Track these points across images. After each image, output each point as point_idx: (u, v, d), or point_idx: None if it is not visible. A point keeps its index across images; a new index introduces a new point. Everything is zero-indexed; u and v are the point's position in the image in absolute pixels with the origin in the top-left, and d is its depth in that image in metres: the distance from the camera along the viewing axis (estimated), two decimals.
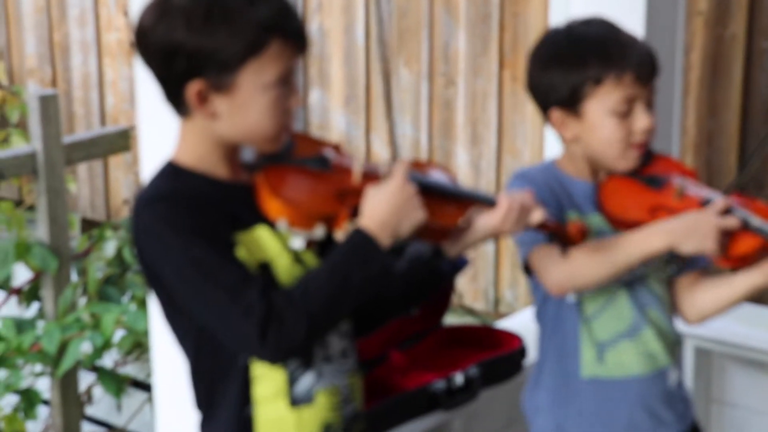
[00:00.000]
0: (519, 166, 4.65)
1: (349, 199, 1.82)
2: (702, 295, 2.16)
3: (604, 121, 2.07)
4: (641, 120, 2.07)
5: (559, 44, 2.12)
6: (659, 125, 3.58)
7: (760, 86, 4.20)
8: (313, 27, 5.27)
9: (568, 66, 2.08)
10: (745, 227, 2.00)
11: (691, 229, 1.98)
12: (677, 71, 3.76)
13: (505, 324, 3.58)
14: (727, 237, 1.99)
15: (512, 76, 4.76)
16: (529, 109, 4.65)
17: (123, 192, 6.20)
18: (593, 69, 2.05)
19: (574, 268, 2.03)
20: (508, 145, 4.87)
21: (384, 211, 1.76)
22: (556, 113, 2.12)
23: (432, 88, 5.01)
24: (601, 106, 2.07)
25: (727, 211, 2.00)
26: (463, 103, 4.94)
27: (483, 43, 4.83)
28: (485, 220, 1.91)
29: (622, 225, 2.10)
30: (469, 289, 5.06)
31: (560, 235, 1.99)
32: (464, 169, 4.97)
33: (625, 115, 2.07)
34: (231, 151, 1.83)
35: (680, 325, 2.25)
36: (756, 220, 2.00)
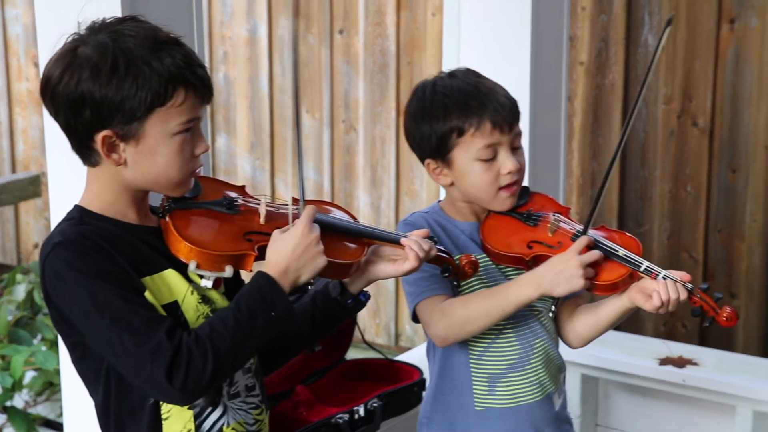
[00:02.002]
0: (416, 207, 4.69)
1: (257, 240, 1.81)
2: (581, 322, 2.19)
3: (471, 168, 2.12)
4: (505, 164, 2.12)
5: (425, 98, 2.16)
6: (547, 167, 3.68)
7: (636, 131, 4.31)
8: (219, 76, 5.26)
9: (433, 119, 2.12)
10: (611, 258, 2.05)
11: (559, 274, 2.03)
12: (562, 117, 3.84)
13: (405, 357, 3.59)
14: (595, 269, 2.04)
15: None
16: None
17: (34, 237, 6.07)
18: (455, 121, 2.10)
19: (454, 322, 2.08)
20: (406, 188, 4.91)
21: (287, 257, 1.77)
22: (431, 163, 2.17)
23: (333, 134, 5.03)
24: (467, 155, 2.11)
25: (592, 246, 2.06)
26: (363, 148, 4.97)
27: (381, 91, 4.88)
28: (391, 264, 1.92)
29: (503, 261, 2.14)
30: (371, 324, 5.06)
31: (453, 268, 2.02)
32: (365, 211, 4.99)
33: (490, 160, 2.11)
34: (139, 196, 1.81)
35: (567, 354, 2.29)
36: (621, 250, 2.06)
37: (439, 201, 2.26)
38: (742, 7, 4.05)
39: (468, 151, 2.10)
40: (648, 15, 4.23)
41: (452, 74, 2.18)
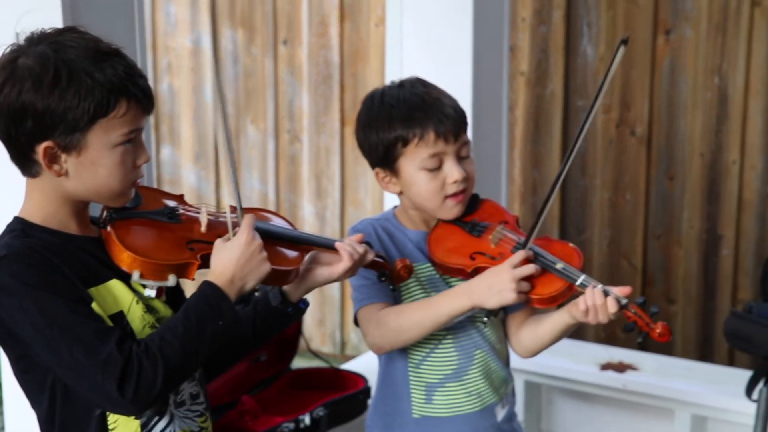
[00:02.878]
0: (361, 216, 4.70)
1: (199, 249, 1.81)
2: (527, 333, 2.20)
3: (416, 177, 2.13)
4: (451, 173, 2.13)
5: (373, 108, 2.17)
6: (489, 175, 3.71)
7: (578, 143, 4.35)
8: (162, 87, 5.23)
9: (380, 129, 2.13)
10: (549, 271, 2.06)
11: (491, 287, 2.03)
12: (503, 127, 3.88)
13: (350, 366, 3.60)
14: (531, 282, 2.05)
15: (353, 133, 4.80)
16: None
17: None
18: (399, 131, 2.11)
19: (387, 331, 2.09)
20: (351, 197, 4.91)
21: (232, 266, 1.77)
22: (380, 172, 2.18)
23: (278, 145, 5.03)
24: (412, 164, 2.12)
25: (531, 259, 2.06)
26: (308, 158, 4.96)
27: (325, 102, 4.88)
28: (327, 268, 1.94)
29: (446, 271, 2.15)
30: (317, 334, 5.05)
31: (389, 272, 2.03)
32: (310, 221, 4.99)
33: (435, 169, 2.12)
34: (80, 207, 1.80)
35: (511, 361, 2.30)
36: (560, 264, 2.06)
37: (395, 207, 2.26)
38: (677, 18, 4.12)
39: (413, 160, 2.11)
40: (587, 26, 4.29)
41: (401, 84, 2.19)
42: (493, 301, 2.03)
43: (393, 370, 2.20)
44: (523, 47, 4.40)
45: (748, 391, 3.00)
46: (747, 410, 3.12)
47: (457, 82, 3.46)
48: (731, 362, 4.15)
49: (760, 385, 2.99)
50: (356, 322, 2.17)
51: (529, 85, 4.43)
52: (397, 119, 2.11)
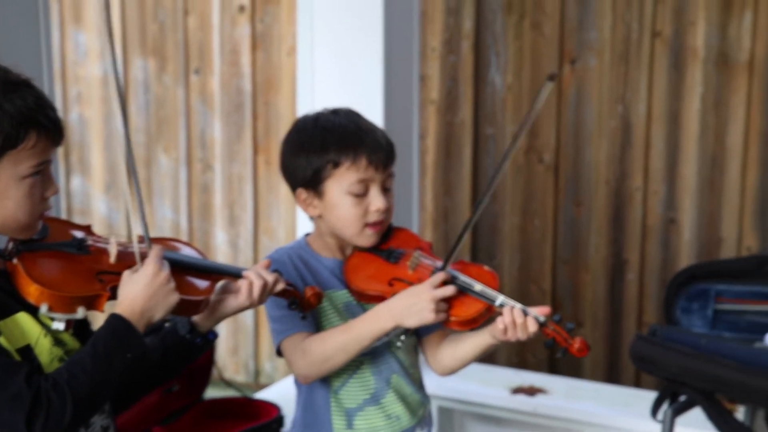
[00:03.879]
0: (274, 244, 4.69)
1: (109, 280, 1.79)
2: (444, 353, 2.23)
3: (341, 201, 2.15)
4: (375, 201, 2.15)
5: (306, 131, 2.19)
6: (401, 203, 3.73)
7: (485, 167, 4.42)
8: (72, 116, 5.16)
9: (312, 151, 2.15)
10: (467, 293, 2.10)
11: (410, 306, 2.06)
12: (414, 155, 3.92)
13: (264, 395, 3.58)
14: (450, 303, 2.08)
15: (266, 161, 4.81)
16: (283, 191, 4.71)
17: None
18: (332, 153, 2.13)
19: (313, 360, 2.10)
20: (264, 225, 4.90)
21: (139, 298, 1.75)
22: (302, 193, 2.18)
23: (190, 173, 4.99)
24: (339, 187, 2.14)
25: (450, 281, 2.09)
26: (221, 186, 4.94)
27: (237, 131, 4.87)
28: (236, 297, 1.93)
29: (364, 298, 2.16)
30: (230, 363, 5.02)
31: (299, 300, 2.03)
32: (223, 249, 4.96)
33: (360, 195, 2.15)
34: None
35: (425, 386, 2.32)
36: (478, 286, 2.09)
37: (307, 235, 2.27)
38: (582, 48, 4.22)
39: (341, 183, 2.13)
40: (495, 55, 4.36)
41: (335, 111, 2.21)
42: (412, 321, 2.06)
43: (314, 397, 2.21)
44: (433, 76, 4.46)
45: (654, 412, 3.07)
46: (653, 430, 3.19)
47: (368, 111, 3.46)
48: (638, 384, 4.23)
49: (665, 406, 3.06)
50: (279, 353, 2.17)
51: (439, 113, 4.48)
52: (331, 142, 2.13)
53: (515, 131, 4.32)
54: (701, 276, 3.45)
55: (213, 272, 1.94)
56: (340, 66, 3.62)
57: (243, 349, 5.00)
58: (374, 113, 3.57)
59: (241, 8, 4.72)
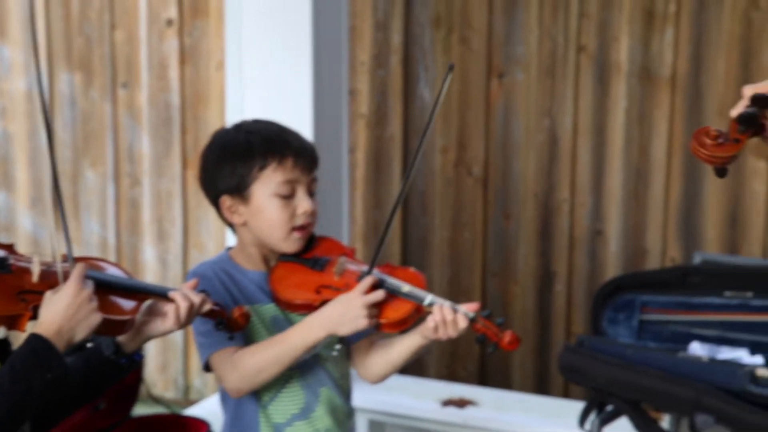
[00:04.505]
0: (204, 259, 4.65)
1: (31, 300, 1.76)
2: (375, 359, 2.23)
3: (268, 204, 2.14)
4: (302, 203, 2.15)
5: (228, 138, 2.19)
6: (331, 217, 3.74)
7: (416, 181, 4.44)
8: None
9: (236, 155, 2.15)
10: (396, 295, 2.10)
11: (342, 314, 2.06)
12: (344, 168, 3.93)
13: (193, 411, 3.55)
14: (380, 307, 2.09)
15: (195, 175, 4.76)
16: None
17: None
18: (257, 155, 2.13)
19: (244, 373, 2.08)
20: (194, 240, 4.86)
21: (60, 317, 1.73)
22: (226, 200, 2.17)
23: (118, 189, 4.94)
24: (266, 189, 2.14)
25: (378, 285, 2.10)
26: (149, 201, 4.89)
27: (166, 145, 4.83)
28: (163, 318, 1.91)
29: (292, 308, 2.15)
30: (159, 379, 4.96)
31: (226, 320, 2.02)
32: (152, 265, 4.91)
33: (287, 197, 2.14)
34: None
35: (353, 401, 2.32)
36: (406, 287, 2.10)
37: (229, 249, 2.25)
38: (509, 62, 4.26)
39: (267, 185, 2.12)
40: (423, 70, 4.39)
41: (256, 120, 2.22)
42: (346, 329, 2.06)
43: (242, 413, 2.19)
44: (363, 90, 4.47)
45: (581, 422, 3.10)
46: None
47: (297, 125, 3.45)
48: (566, 394, 4.27)
49: (592, 416, 3.09)
50: (206, 368, 2.15)
51: (369, 127, 4.49)
52: (257, 145, 2.13)
53: (444, 144, 4.35)
54: (627, 287, 3.50)
55: (139, 292, 1.92)
56: (269, 80, 3.61)
57: (172, 366, 4.95)
58: (304, 127, 3.56)
59: (169, 22, 4.69)
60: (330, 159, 3.71)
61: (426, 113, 4.40)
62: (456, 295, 4.43)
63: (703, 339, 3.34)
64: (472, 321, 2.04)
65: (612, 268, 4.20)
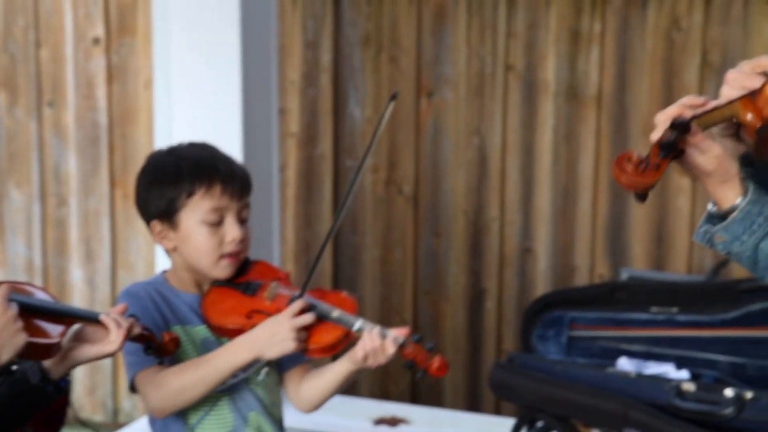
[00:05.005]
0: (133, 279, 4.60)
1: None
2: (307, 387, 2.22)
3: (196, 231, 2.13)
4: (231, 231, 2.14)
5: (160, 162, 2.18)
6: (261, 236, 3.72)
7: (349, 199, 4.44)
8: None
9: (165, 181, 2.14)
10: (326, 320, 2.10)
11: (271, 337, 2.06)
12: (274, 187, 3.92)
13: None
14: (309, 332, 2.09)
15: (123, 195, 4.72)
16: (141, 225, 4.62)
17: None
18: (186, 182, 2.12)
19: (169, 392, 2.07)
20: (122, 261, 4.81)
21: None
22: (157, 225, 2.16)
23: (44, 209, 4.87)
24: (194, 217, 2.13)
25: (308, 309, 2.10)
26: (76, 221, 4.83)
27: (93, 164, 4.77)
28: (92, 344, 1.89)
29: (224, 333, 2.14)
30: (87, 402, 4.89)
31: (155, 345, 2.00)
32: (80, 286, 4.84)
33: (215, 225, 2.13)
34: None
35: (286, 419, 2.30)
36: (336, 312, 2.11)
37: (165, 271, 2.24)
38: (438, 81, 4.30)
39: (195, 212, 2.11)
40: (353, 89, 4.40)
41: (191, 144, 2.22)
42: (273, 352, 2.06)
43: None
44: (293, 109, 4.47)
45: None
46: None
47: (227, 144, 3.44)
48: (498, 411, 4.30)
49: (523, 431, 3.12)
50: (132, 388, 2.12)
51: (299, 146, 4.49)
52: (185, 170, 2.12)
53: (374, 163, 4.36)
54: (556, 304, 3.55)
55: (66, 316, 1.89)
56: (198, 99, 3.60)
57: (100, 388, 4.88)
58: (233, 146, 3.56)
59: (96, 40, 4.64)
60: (260, 178, 3.70)
61: (357, 132, 4.41)
62: (387, 314, 4.44)
63: (631, 354, 3.40)
64: (402, 347, 2.05)
65: (541, 285, 4.25)
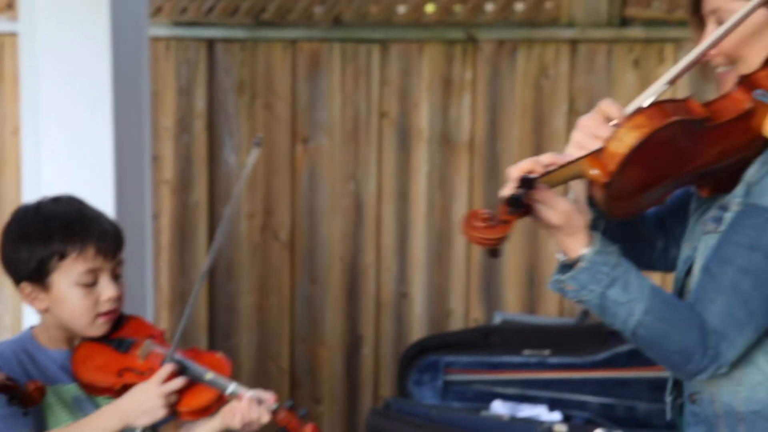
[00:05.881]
0: (2, 335, 4.48)
1: None
2: None
3: (70, 293, 2.09)
4: (106, 290, 2.11)
5: (27, 221, 2.13)
6: (135, 285, 3.67)
7: (222, 247, 4.42)
8: None
9: (34, 242, 2.08)
10: (199, 382, 2.10)
11: (140, 405, 2.03)
12: (148, 235, 3.88)
13: None
14: (181, 394, 2.07)
15: None
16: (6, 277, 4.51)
17: None
18: (57, 244, 2.07)
19: None
20: None
21: None
22: (26, 287, 2.11)
23: None
24: (67, 279, 2.08)
25: (179, 371, 2.09)
26: None
27: None
28: None
29: (94, 391, 2.11)
30: None
31: (20, 395, 1.96)
32: None
33: (90, 285, 2.10)
34: None
35: None
36: (209, 374, 2.10)
37: (32, 327, 2.18)
38: (314, 128, 4.33)
39: (68, 275, 2.07)
40: (228, 135, 4.40)
41: (56, 199, 2.16)
42: (143, 420, 2.03)
43: None
44: (167, 156, 4.44)
45: None
46: None
47: (99, 192, 3.42)
48: None
49: None
50: None
51: (174, 193, 4.46)
52: (55, 232, 2.07)
53: (250, 209, 4.36)
54: (431, 348, 3.60)
55: None
56: (68, 146, 3.54)
57: None
58: (105, 195, 3.51)
59: None
60: (133, 226, 3.66)
61: (232, 178, 4.41)
62: (264, 361, 4.42)
63: (505, 397, 3.46)
64: (275, 413, 2.07)
65: (418, 330, 4.29)
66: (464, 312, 4.28)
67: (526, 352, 3.52)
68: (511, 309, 4.21)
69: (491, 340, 3.54)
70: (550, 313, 4.16)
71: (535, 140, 4.17)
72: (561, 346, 3.50)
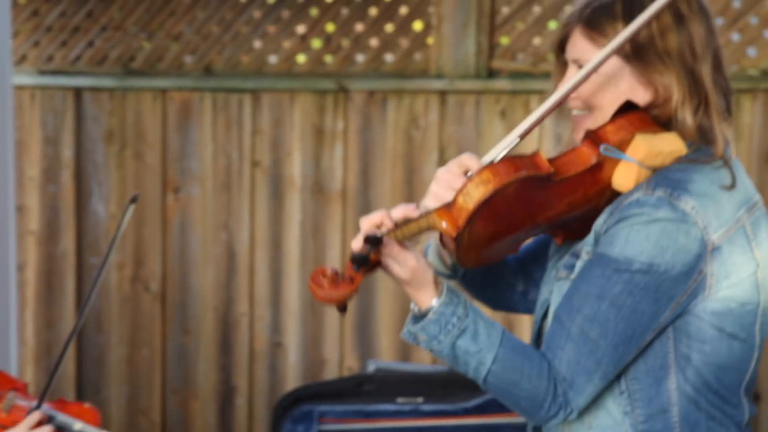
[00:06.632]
0: None
1: None
2: None
3: None
4: None
5: None
6: None
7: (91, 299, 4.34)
8: None
9: None
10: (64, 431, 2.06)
11: None
12: (12, 288, 3.78)
13: None
14: None
15: None
16: None
17: None
18: None
19: None
20: None
21: None
22: None
23: None
24: None
25: (46, 421, 2.05)
26: None
27: None
28: None
29: None
30: None
31: None
32: None
33: None
34: None
35: None
36: (78, 424, 2.08)
37: None
38: (185, 177, 4.31)
39: None
40: (96, 185, 4.34)
41: None
42: None
43: None
44: (32, 206, 4.35)
45: None
46: None
47: None
48: None
49: None
50: None
51: (40, 244, 4.37)
52: None
53: (120, 260, 4.30)
54: (305, 398, 3.59)
55: None
56: None
57: None
58: None
59: None
60: None
61: (100, 228, 4.34)
62: (134, 415, 4.34)
63: None
64: None
65: (292, 379, 4.28)
66: (339, 360, 4.29)
67: (400, 399, 3.54)
68: (386, 357, 4.24)
69: (365, 388, 3.56)
70: (423, 360, 4.20)
71: (406, 189, 4.24)
72: (434, 393, 3.54)
